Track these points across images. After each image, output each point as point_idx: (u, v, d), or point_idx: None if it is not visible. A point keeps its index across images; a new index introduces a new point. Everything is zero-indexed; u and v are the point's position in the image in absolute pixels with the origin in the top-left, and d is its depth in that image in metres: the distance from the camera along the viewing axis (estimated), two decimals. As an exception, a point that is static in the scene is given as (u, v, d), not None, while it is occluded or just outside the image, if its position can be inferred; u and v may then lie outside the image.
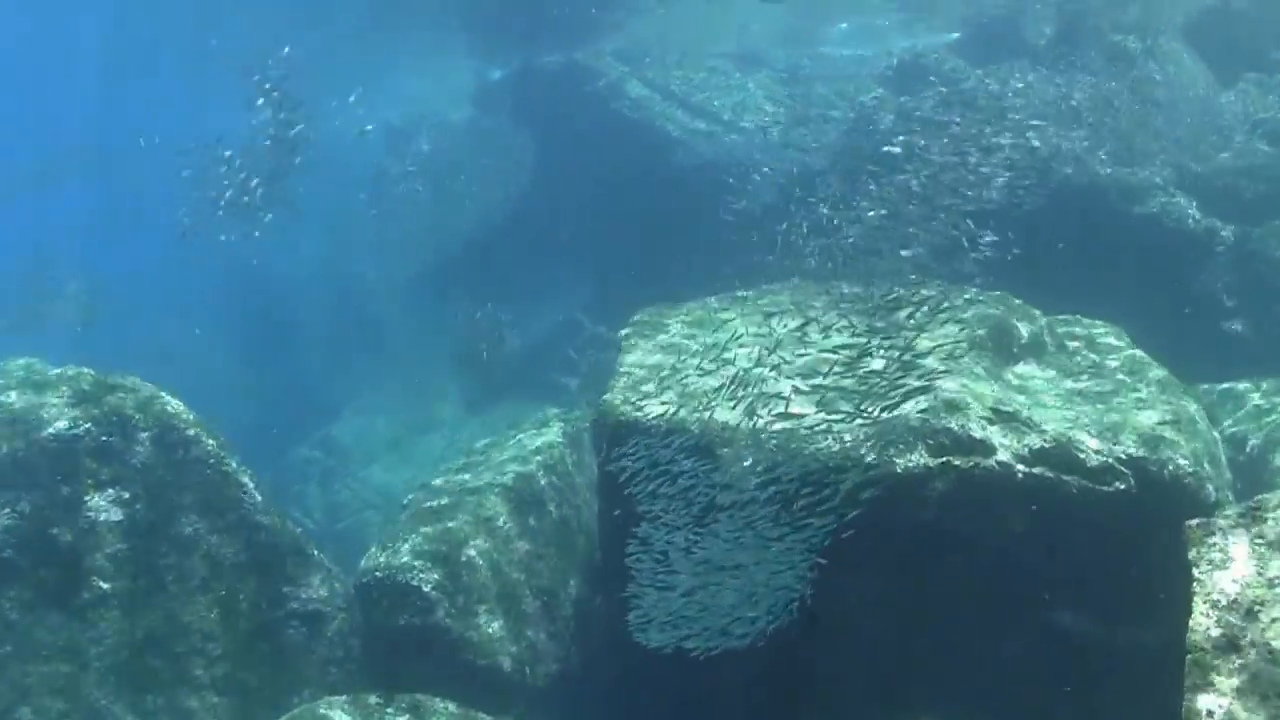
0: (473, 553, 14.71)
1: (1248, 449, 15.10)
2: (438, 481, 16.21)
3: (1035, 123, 20.28)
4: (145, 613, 14.10)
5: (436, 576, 14.28)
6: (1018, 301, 15.60)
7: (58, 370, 14.71)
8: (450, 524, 14.96)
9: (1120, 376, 14.39)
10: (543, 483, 16.16)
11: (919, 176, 15.82)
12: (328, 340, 29.83)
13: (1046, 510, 12.25)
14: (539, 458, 16.47)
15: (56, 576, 13.73)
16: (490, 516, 15.25)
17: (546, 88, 26.66)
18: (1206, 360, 17.00)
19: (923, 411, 12.52)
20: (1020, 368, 14.61)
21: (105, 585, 13.94)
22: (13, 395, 14.15)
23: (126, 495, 14.19)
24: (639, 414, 13.15)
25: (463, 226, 27.85)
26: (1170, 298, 19.04)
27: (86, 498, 14.00)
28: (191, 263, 30.63)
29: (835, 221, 14.96)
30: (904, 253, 13.96)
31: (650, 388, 13.58)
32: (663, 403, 13.14)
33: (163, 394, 14.77)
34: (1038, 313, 15.56)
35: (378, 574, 14.39)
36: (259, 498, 15.04)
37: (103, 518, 13.99)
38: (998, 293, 15.57)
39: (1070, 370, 14.64)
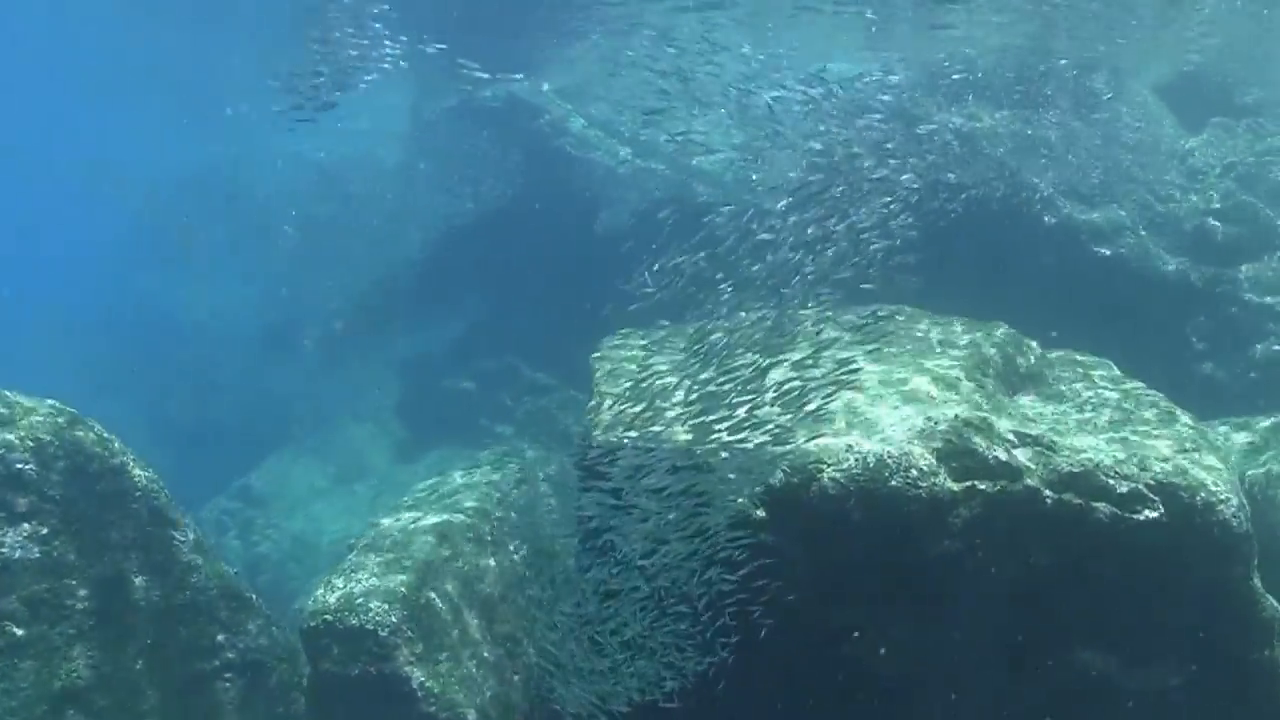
0: (432, 594, 13.40)
1: (1245, 485, 14.30)
2: (385, 521, 14.82)
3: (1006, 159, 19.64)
4: (64, 663, 12.62)
5: (394, 619, 12.85)
6: (1012, 332, 14.66)
7: (-35, 394, 13.16)
8: (406, 562, 13.65)
9: (1125, 406, 13.54)
10: (503, 520, 14.90)
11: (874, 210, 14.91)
12: (245, 387, 28.35)
13: (1073, 541, 11.31)
14: (496, 494, 15.23)
15: (-35, 621, 12.10)
16: (449, 556, 13.99)
17: (485, 124, 25.61)
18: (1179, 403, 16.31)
19: (944, 431, 11.45)
20: (1024, 399, 13.67)
21: (19, 631, 12.47)
22: (-85, 420, 12.59)
23: (44, 530, 12.72)
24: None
25: (392, 271, 26.61)
26: (1141, 340, 18.31)
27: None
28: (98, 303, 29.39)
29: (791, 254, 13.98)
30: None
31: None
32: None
33: (86, 419, 13.27)
34: (1034, 344, 14.71)
35: (327, 618, 12.94)
36: (191, 535, 13.67)
37: (17, 555, 12.53)
38: (997, 322, 14.65)
39: (1074, 401, 13.75)
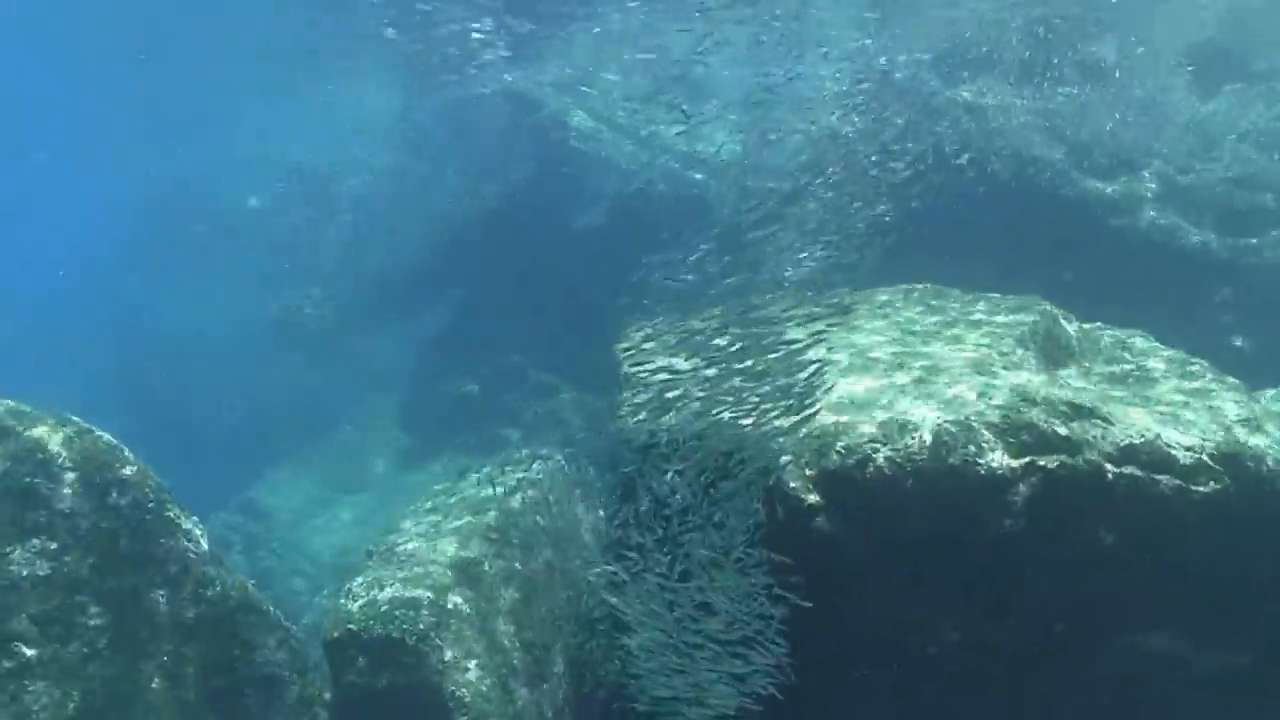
0: (458, 599, 12.84)
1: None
2: (406, 524, 14.26)
3: (1017, 134, 19.16)
4: (78, 683, 12.03)
5: (421, 627, 12.27)
6: (1048, 305, 14.19)
7: (-34, 406, 12.53)
8: (430, 568, 13.07)
9: (1172, 376, 13.01)
10: (528, 523, 14.32)
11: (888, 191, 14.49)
12: (240, 399, 27.71)
13: (1136, 516, 10.78)
14: (518, 496, 14.63)
15: (-29, 642, 11.49)
16: (474, 560, 13.38)
17: (481, 120, 25.04)
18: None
19: (999, 405, 10.93)
20: (1068, 372, 13.17)
21: (30, 652, 11.89)
22: (-84, 432, 11.96)
23: (53, 546, 12.12)
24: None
25: (388, 273, 26.00)
26: (1166, 314, 17.81)
27: (7, 550, 11.90)
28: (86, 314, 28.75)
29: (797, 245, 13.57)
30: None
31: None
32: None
33: (93, 428, 12.66)
34: (1072, 316, 14.22)
35: (351, 628, 12.35)
36: (205, 547, 13.04)
37: (25, 572, 11.93)
38: (1032, 296, 14.17)
39: (1119, 372, 13.26)
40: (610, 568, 10.65)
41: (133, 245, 32.30)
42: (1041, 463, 10.69)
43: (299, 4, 26.91)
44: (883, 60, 19.86)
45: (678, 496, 10.38)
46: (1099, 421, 11.13)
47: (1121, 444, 10.93)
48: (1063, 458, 10.75)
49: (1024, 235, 18.69)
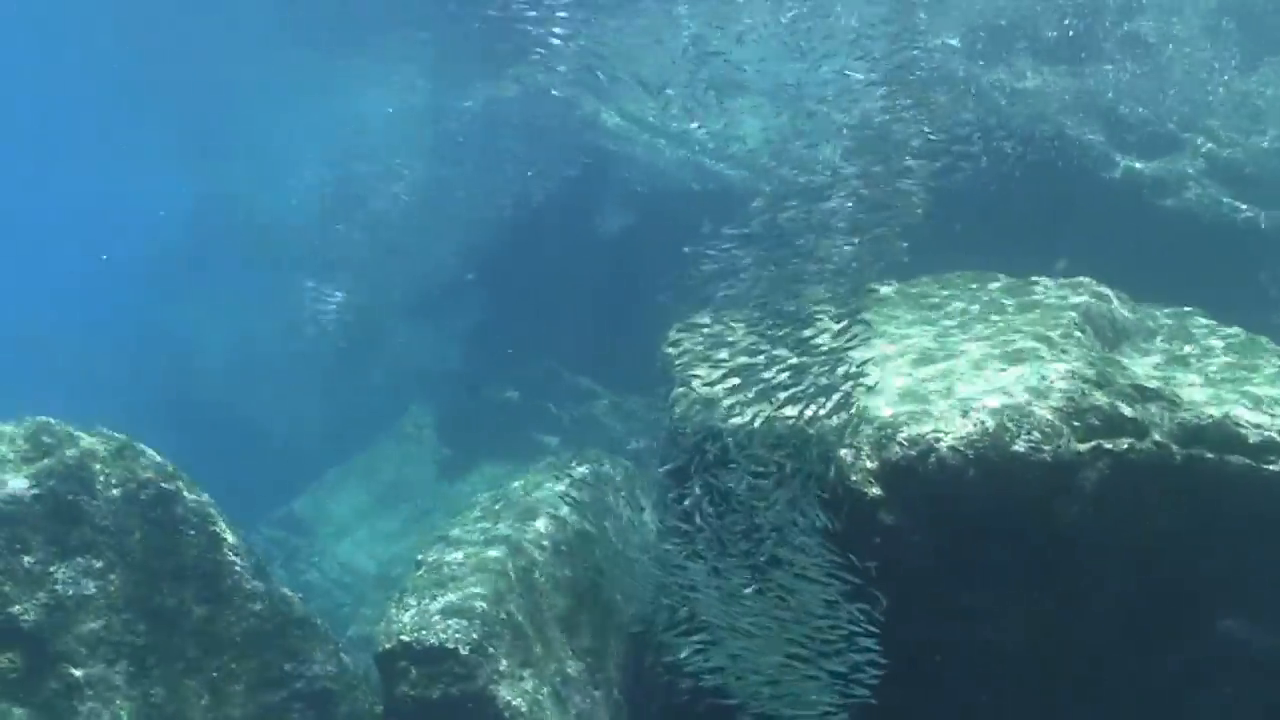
0: (512, 608, 12.54)
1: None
2: (456, 532, 13.97)
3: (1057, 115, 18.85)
4: (126, 703, 11.89)
5: (475, 636, 11.99)
6: (1099, 285, 13.90)
7: (9, 422, 12.35)
8: (482, 576, 12.77)
9: (1232, 353, 12.72)
10: (578, 529, 14.06)
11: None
12: (274, 414, 27.51)
13: (1207, 498, 10.52)
14: (570, 500, 14.34)
15: (20, 663, 11.43)
16: (526, 567, 13.12)
17: (511, 123, 24.77)
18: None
19: (1062, 389, 10.64)
20: (1124, 351, 12.87)
21: (78, 672, 11.70)
22: (-48, 452, 11.79)
23: (99, 564, 11.94)
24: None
25: (425, 280, 25.75)
26: (1213, 291, 17.46)
27: (51, 569, 11.69)
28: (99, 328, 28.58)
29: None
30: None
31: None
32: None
33: (136, 443, 12.47)
34: (1125, 296, 13.91)
35: (404, 638, 12.06)
36: (252, 560, 12.85)
37: (70, 592, 11.73)
38: (1083, 277, 13.88)
39: (1176, 351, 13.00)
40: (681, 569, 10.42)
41: (168, 260, 32.17)
42: (1109, 446, 10.43)
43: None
44: (917, 44, 19.53)
45: (745, 495, 10.12)
46: (1164, 402, 10.87)
47: (1189, 424, 10.67)
48: (1130, 440, 10.49)
49: (1066, 218, 18.37)
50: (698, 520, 10.47)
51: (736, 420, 11.12)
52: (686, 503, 10.65)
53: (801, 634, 9.92)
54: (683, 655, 10.50)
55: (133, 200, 35.49)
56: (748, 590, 10.06)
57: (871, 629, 9.80)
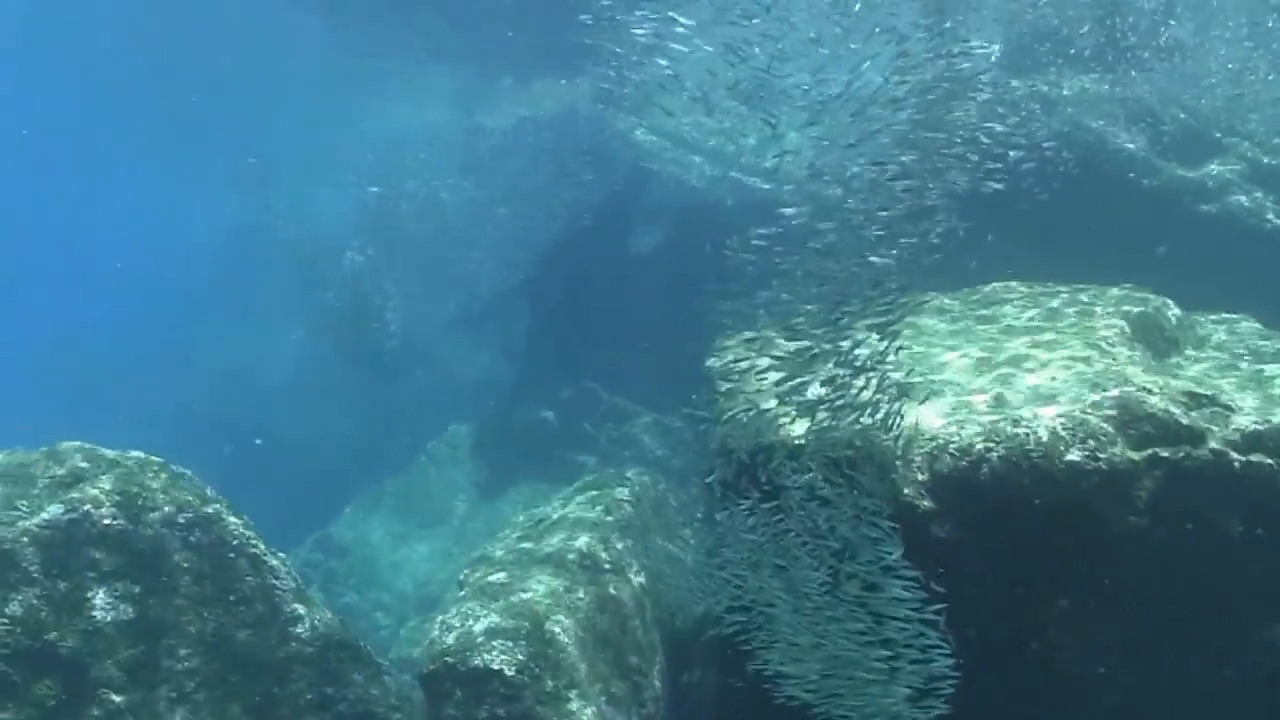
0: (556, 629, 12.34)
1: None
2: (498, 552, 13.82)
3: (1096, 123, 18.61)
4: (168, 729, 11.58)
5: (521, 657, 11.80)
6: (1147, 293, 13.67)
7: (44, 447, 12.24)
8: (525, 595, 12.61)
9: (1286, 362, 12.43)
10: (619, 547, 13.87)
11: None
12: (310, 436, 27.47)
13: (1265, 505, 10.28)
14: (610, 519, 14.18)
15: (58, 690, 11.29)
16: (569, 586, 12.93)
17: (544, 143, 24.73)
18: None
19: (1115, 397, 10.43)
20: (1175, 359, 12.65)
21: (118, 698, 11.60)
22: (-9, 476, 11.70)
23: (137, 589, 11.83)
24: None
25: (462, 301, 25.71)
26: (1258, 300, 17.20)
27: (89, 594, 11.57)
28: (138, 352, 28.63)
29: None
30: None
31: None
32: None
33: (172, 466, 12.35)
34: (1172, 303, 13.68)
35: (448, 659, 11.89)
36: (293, 583, 12.68)
37: (110, 617, 11.63)
38: (1130, 285, 13.66)
39: (1228, 357, 12.76)
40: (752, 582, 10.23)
41: (205, 285, 32.33)
42: (1165, 454, 10.23)
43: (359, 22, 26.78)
44: (952, 54, 19.35)
45: (805, 509, 9.94)
46: (1219, 409, 10.63)
47: (1246, 430, 10.42)
48: (1186, 448, 10.27)
49: (1108, 226, 18.11)
50: (758, 534, 10.27)
51: (786, 434, 10.88)
52: (744, 518, 10.44)
53: (877, 646, 9.74)
54: (762, 667, 10.27)
55: (174, 221, 35.63)
56: (821, 601, 9.86)
57: (948, 641, 9.60)
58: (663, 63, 19.22)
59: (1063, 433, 10.11)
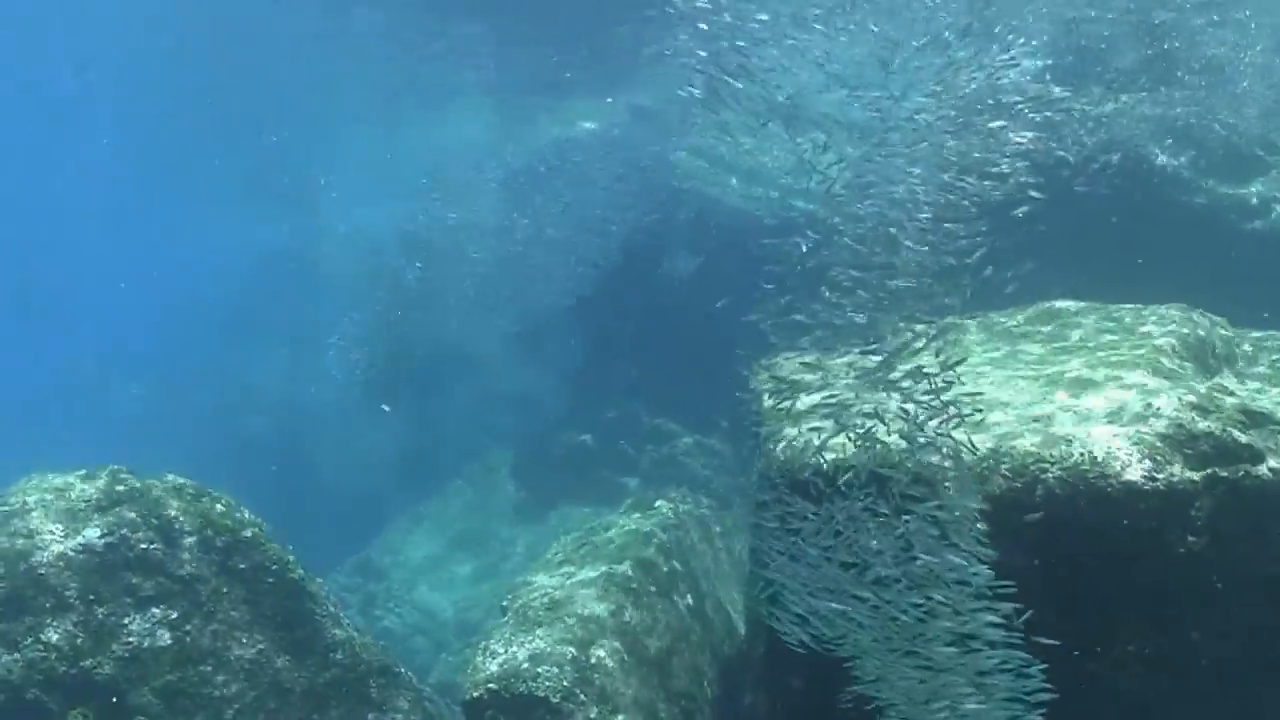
0: (602, 653, 12.17)
1: None
2: (541, 576, 13.64)
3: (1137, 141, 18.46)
4: (207, 758, 11.43)
5: (566, 683, 11.62)
6: (1196, 311, 13.43)
7: (81, 470, 12.14)
8: (569, 620, 12.44)
9: (1344, 379, 12.16)
10: (665, 569, 13.66)
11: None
12: (345, 460, 27.35)
13: (1328, 526, 9.90)
14: (656, 540, 13.97)
15: (94, 718, 11.19)
16: (615, 610, 12.75)
17: (579, 164, 24.64)
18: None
19: (1171, 416, 10.18)
20: (1226, 377, 12.39)
21: (156, 726, 11.29)
22: (30, 500, 11.56)
23: (174, 614, 11.74)
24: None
25: (502, 325, 25.58)
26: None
27: (126, 620, 11.42)
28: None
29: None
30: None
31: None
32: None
33: (210, 490, 12.22)
34: (1222, 321, 13.43)
35: (492, 686, 11.71)
36: (332, 609, 12.54)
37: (147, 643, 11.51)
38: (1180, 304, 13.43)
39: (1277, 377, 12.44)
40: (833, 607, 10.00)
41: (236, 310, 32.35)
42: (1224, 474, 9.94)
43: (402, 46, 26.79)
44: (991, 73, 19.17)
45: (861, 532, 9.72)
46: (1277, 426, 10.34)
47: (1306, 449, 10.11)
48: (1246, 467, 9.98)
49: (1151, 245, 17.90)
50: (815, 556, 10.06)
51: (833, 456, 10.66)
52: (803, 541, 10.22)
53: (969, 666, 9.52)
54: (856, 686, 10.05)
55: (202, 245, 35.70)
56: (906, 622, 9.64)
57: (1039, 661, 9.36)
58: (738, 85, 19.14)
59: (1119, 452, 9.87)
